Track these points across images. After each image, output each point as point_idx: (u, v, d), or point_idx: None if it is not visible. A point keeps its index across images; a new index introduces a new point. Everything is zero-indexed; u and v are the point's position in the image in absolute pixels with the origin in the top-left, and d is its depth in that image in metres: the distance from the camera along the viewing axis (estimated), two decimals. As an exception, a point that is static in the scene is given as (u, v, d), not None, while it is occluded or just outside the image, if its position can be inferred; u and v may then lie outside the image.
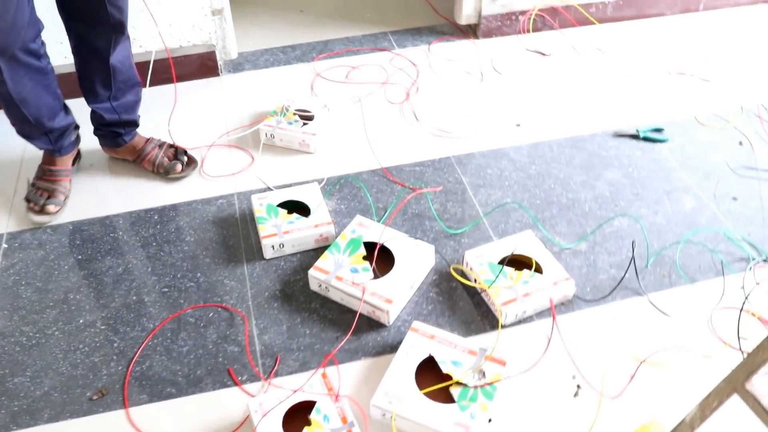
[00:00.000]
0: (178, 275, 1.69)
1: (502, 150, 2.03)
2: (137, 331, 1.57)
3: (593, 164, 1.98)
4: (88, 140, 2.00)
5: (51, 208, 1.83)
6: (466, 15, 2.49)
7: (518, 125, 2.12)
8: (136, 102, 1.94)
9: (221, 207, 1.88)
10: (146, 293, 1.65)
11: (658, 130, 2.08)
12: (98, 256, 1.76)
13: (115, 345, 1.54)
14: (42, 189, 1.86)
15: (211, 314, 1.60)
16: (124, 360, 1.51)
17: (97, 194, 1.94)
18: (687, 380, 1.42)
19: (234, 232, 1.80)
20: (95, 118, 1.93)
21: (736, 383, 1.11)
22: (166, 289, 1.66)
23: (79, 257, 1.76)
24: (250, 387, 1.45)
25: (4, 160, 2.06)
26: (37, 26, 1.63)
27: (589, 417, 1.37)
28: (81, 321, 1.60)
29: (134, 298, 1.64)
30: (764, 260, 1.69)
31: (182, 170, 1.97)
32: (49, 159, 1.90)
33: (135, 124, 1.97)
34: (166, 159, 1.96)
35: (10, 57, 1.59)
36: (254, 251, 1.74)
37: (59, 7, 1.71)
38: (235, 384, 1.45)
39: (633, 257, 1.68)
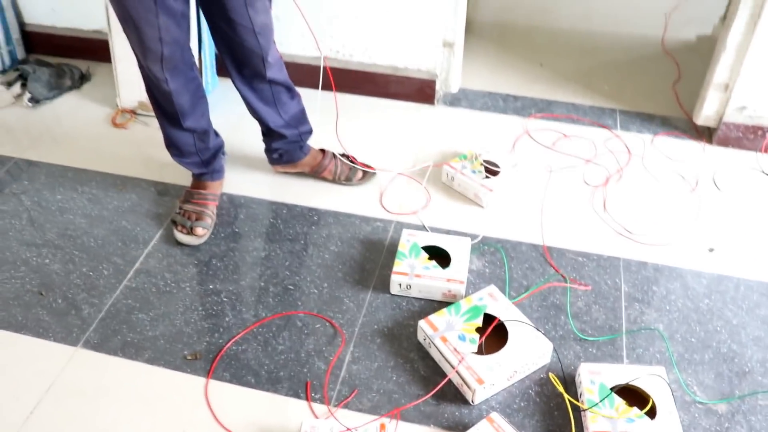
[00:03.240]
0: (308, 278, 1.77)
1: (680, 270, 1.83)
2: (249, 315, 1.67)
3: (780, 322, 1.72)
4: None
5: (199, 231, 1.86)
6: (705, 116, 2.28)
7: (711, 250, 1.90)
8: (303, 110, 1.96)
9: (375, 229, 1.92)
10: (273, 284, 1.75)
11: None
12: (251, 234, 1.89)
13: (227, 319, 1.66)
14: (190, 212, 1.89)
15: (317, 325, 1.65)
16: (226, 336, 1.62)
17: (274, 179, 2.08)
18: None
19: (375, 258, 1.83)
20: (273, 137, 1.96)
21: None
22: (291, 287, 1.74)
23: (236, 230, 1.91)
24: (317, 407, 1.47)
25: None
26: (190, 34, 1.70)
27: None
28: (210, 287, 1.74)
29: (262, 284, 1.75)
30: None
31: (362, 178, 2.04)
32: (198, 183, 1.96)
33: (310, 131, 2.01)
34: (346, 168, 2.04)
35: (173, 70, 1.66)
36: (385, 282, 1.76)
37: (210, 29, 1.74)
38: (306, 398, 1.49)
39: (771, 442, 1.44)
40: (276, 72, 1.81)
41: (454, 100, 2.47)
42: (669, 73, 2.68)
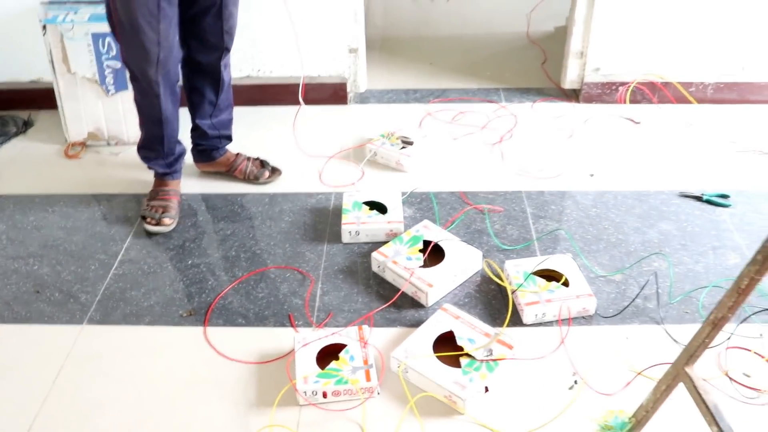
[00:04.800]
0: (272, 243, 2.08)
1: (571, 193, 2.27)
2: (229, 276, 1.96)
3: (651, 215, 2.16)
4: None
5: (166, 220, 2.10)
6: (570, 80, 2.78)
7: (592, 175, 2.35)
8: (230, 120, 2.30)
9: (319, 200, 2.26)
10: (243, 251, 2.05)
11: (724, 196, 2.22)
12: (215, 220, 2.19)
13: (209, 283, 1.94)
14: (156, 206, 2.13)
15: (288, 274, 1.96)
16: (213, 294, 1.90)
17: (225, 178, 2.39)
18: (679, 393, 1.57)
19: (324, 220, 2.17)
20: (197, 134, 2.28)
21: (678, 367, 1.29)
22: (258, 251, 2.05)
23: (201, 218, 2.20)
24: (303, 330, 1.77)
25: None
26: (180, 52, 2.00)
27: (576, 407, 1.56)
28: (189, 262, 2.02)
29: (233, 253, 2.05)
30: (791, 317, 1.80)
31: (269, 177, 2.35)
32: (162, 182, 2.21)
33: (229, 138, 2.34)
34: (255, 168, 2.35)
35: (165, 74, 1.95)
36: (336, 236, 2.09)
37: (181, 26, 2.00)
38: (291, 326, 1.79)
39: (657, 289, 1.86)
40: (227, 76, 2.18)
41: (363, 99, 2.87)
42: (537, 57, 3.20)
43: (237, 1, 2.08)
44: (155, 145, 2.13)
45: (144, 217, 2.13)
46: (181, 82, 2.11)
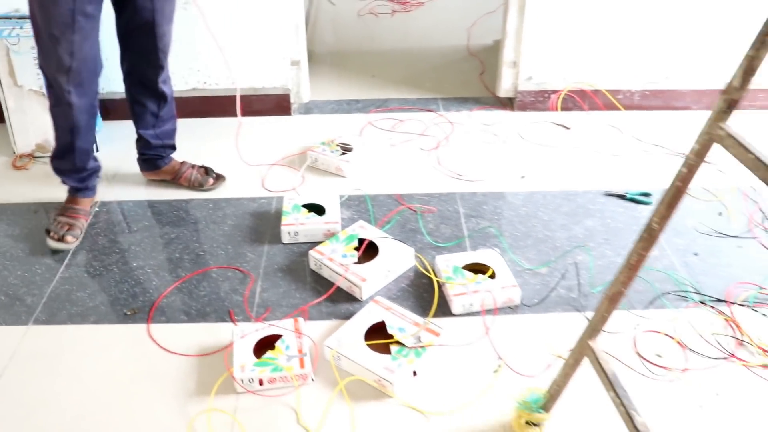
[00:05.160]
0: (214, 245, 2.16)
1: (502, 194, 2.39)
2: (172, 277, 2.03)
3: (577, 213, 2.29)
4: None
5: (69, 238, 2.14)
6: (504, 89, 2.92)
7: (523, 177, 2.48)
8: (173, 130, 2.39)
9: (261, 205, 2.35)
10: (187, 253, 2.12)
11: (646, 194, 2.37)
12: (160, 224, 2.26)
13: (153, 283, 2.01)
14: (63, 223, 2.16)
15: (229, 274, 2.04)
16: (156, 293, 1.97)
17: (170, 185, 2.46)
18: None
19: (265, 223, 2.25)
20: (142, 144, 2.36)
21: (583, 342, 1.40)
22: (201, 253, 2.13)
23: (146, 223, 2.27)
24: (242, 324, 1.85)
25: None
26: (101, 65, 2.07)
27: (499, 388, 1.66)
28: (134, 264, 2.09)
29: (177, 255, 2.12)
30: (701, 302, 1.93)
31: (213, 183, 2.43)
32: (73, 199, 2.25)
33: (173, 147, 2.42)
34: (199, 176, 2.43)
35: (78, 85, 2.00)
36: (276, 238, 2.18)
37: (120, 41, 2.16)
38: (231, 321, 1.87)
39: (578, 277, 1.98)
40: (167, 89, 2.26)
41: (307, 110, 2.97)
42: (475, 68, 3.34)
43: (170, 20, 2.16)
44: (67, 156, 2.17)
45: (48, 231, 2.16)
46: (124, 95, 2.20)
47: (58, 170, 2.23)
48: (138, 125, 2.33)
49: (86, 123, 2.12)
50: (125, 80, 2.24)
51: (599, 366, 1.36)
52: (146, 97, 2.25)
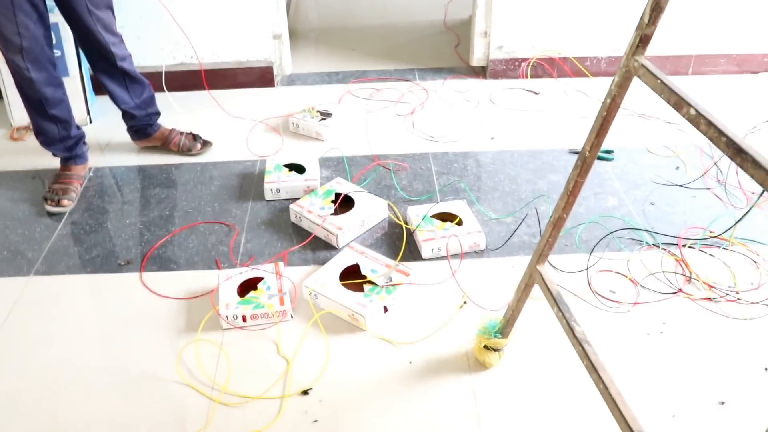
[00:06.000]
0: (201, 203, 2.31)
1: (472, 153, 2.54)
2: (163, 231, 2.18)
3: (543, 169, 2.44)
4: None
5: (65, 201, 2.28)
6: (476, 58, 3.06)
7: (492, 138, 2.63)
8: (152, 97, 2.50)
9: (246, 167, 2.50)
10: (176, 210, 2.28)
11: (608, 152, 2.52)
12: (151, 186, 2.41)
13: (145, 237, 2.16)
14: (57, 189, 2.31)
15: (215, 228, 2.19)
16: (148, 246, 2.12)
17: (160, 151, 2.61)
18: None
19: (249, 183, 2.40)
20: (127, 117, 2.49)
21: (531, 267, 1.56)
22: (190, 210, 2.28)
23: (138, 186, 2.42)
24: (227, 270, 2.00)
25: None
26: (51, 38, 2.17)
27: (464, 322, 1.81)
28: (127, 221, 2.24)
29: (167, 213, 2.27)
30: (654, 245, 2.09)
31: (201, 149, 2.58)
32: (66, 167, 2.40)
33: (158, 113, 2.55)
34: (187, 141, 2.58)
35: (34, 61, 2.12)
36: (260, 195, 2.33)
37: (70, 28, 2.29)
38: (218, 267, 2.02)
39: (539, 221, 2.14)
40: (126, 65, 2.37)
41: (289, 82, 3.12)
42: (451, 41, 3.49)
43: (101, 6, 2.21)
44: (45, 127, 2.30)
45: (45, 198, 2.31)
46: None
47: (45, 143, 2.37)
48: (117, 102, 2.45)
49: (52, 94, 2.24)
50: (88, 62, 2.40)
51: (545, 286, 1.52)
52: (110, 77, 2.37)
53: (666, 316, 1.84)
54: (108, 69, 2.35)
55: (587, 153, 1.39)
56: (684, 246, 2.08)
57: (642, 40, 1.21)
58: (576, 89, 2.98)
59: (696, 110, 1.06)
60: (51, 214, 2.29)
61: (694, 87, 3.00)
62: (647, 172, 2.44)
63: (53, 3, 2.19)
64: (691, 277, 1.97)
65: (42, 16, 2.12)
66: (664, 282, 1.95)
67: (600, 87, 2.98)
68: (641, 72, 1.21)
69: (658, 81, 1.16)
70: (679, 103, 1.10)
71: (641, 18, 1.18)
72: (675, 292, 1.92)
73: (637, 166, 2.47)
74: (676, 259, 2.04)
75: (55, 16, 2.35)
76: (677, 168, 2.46)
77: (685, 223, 2.18)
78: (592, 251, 2.04)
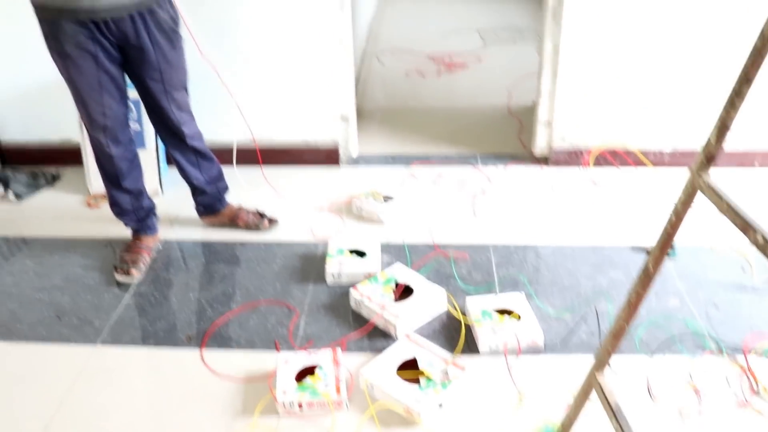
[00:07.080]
0: (264, 282, 2.36)
1: (533, 246, 2.55)
2: (225, 308, 2.24)
3: (603, 265, 2.43)
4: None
5: (134, 272, 2.37)
6: (539, 147, 3.09)
7: (554, 231, 2.63)
8: (221, 172, 2.58)
9: (309, 249, 2.56)
10: (238, 288, 2.34)
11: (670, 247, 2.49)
12: (216, 261, 2.49)
13: (207, 313, 2.22)
14: (127, 259, 2.41)
15: (276, 309, 2.24)
16: (209, 322, 2.18)
17: (227, 228, 2.69)
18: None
19: (311, 265, 2.45)
20: (197, 193, 2.57)
21: (591, 375, 1.54)
22: (252, 289, 2.33)
23: (204, 261, 2.49)
24: (285, 353, 2.03)
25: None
26: (128, 117, 2.29)
27: (519, 424, 1.79)
28: (191, 295, 2.30)
29: (230, 289, 2.33)
30: (717, 350, 2.04)
31: (268, 225, 2.66)
32: (136, 237, 2.50)
33: (227, 188, 2.63)
34: (255, 218, 2.66)
35: (114, 139, 2.24)
36: (321, 278, 2.37)
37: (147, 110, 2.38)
38: (276, 350, 2.05)
39: (598, 322, 2.12)
40: (196, 142, 2.46)
41: (354, 162, 3.20)
42: (514, 127, 3.53)
43: (179, 87, 2.32)
44: (119, 198, 2.40)
45: (115, 268, 2.40)
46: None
47: (118, 214, 2.47)
48: (187, 178, 2.54)
49: (128, 167, 2.35)
50: (159, 138, 2.50)
51: (604, 397, 1.50)
52: (181, 153, 2.46)
53: (732, 430, 1.79)
54: (179, 145, 2.45)
55: (651, 268, 1.39)
56: (750, 354, 2.03)
57: (708, 159, 1.22)
58: (638, 181, 2.97)
59: (764, 237, 1.06)
60: (119, 284, 2.37)
61: (760, 181, 2.96)
62: (710, 271, 2.39)
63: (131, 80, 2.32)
64: (758, 390, 1.91)
65: (123, 96, 2.25)
66: (729, 392, 1.90)
67: (662, 180, 2.97)
68: (707, 191, 1.22)
69: (725, 203, 1.16)
70: (745, 227, 1.10)
71: (708, 138, 1.19)
72: (741, 404, 1.86)
73: (700, 265, 2.43)
74: (741, 368, 1.98)
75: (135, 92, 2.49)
76: (743, 269, 2.41)
77: (750, 328, 2.13)
78: (653, 354, 2.00)
